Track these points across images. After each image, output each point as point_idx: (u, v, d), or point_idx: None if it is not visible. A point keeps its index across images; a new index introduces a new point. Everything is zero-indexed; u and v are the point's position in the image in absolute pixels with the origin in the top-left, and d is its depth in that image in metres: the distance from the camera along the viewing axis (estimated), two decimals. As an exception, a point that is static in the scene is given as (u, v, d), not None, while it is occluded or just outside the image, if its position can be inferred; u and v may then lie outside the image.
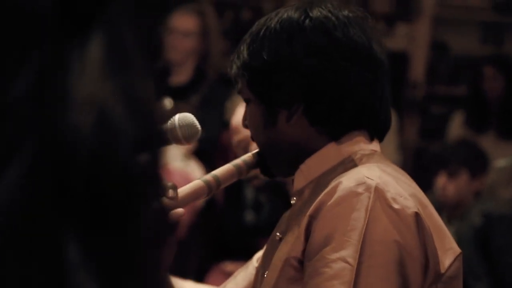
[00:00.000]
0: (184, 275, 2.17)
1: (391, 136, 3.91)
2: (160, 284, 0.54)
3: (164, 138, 0.58)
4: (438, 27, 5.58)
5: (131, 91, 0.51)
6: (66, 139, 0.48)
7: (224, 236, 3.55)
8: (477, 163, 3.79)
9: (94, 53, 0.50)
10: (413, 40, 5.48)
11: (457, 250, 1.42)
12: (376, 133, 1.51)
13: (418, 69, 5.48)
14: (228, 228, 3.53)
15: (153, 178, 0.53)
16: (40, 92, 0.48)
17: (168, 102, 3.57)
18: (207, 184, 1.45)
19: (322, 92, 1.44)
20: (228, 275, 3.26)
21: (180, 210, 1.31)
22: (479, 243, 3.52)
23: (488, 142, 4.44)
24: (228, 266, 3.33)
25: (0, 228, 0.47)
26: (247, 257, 2.69)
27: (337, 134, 1.47)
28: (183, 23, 3.91)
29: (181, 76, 3.96)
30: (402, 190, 1.38)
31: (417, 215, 1.36)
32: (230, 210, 3.50)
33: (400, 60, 5.31)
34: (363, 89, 1.45)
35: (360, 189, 1.35)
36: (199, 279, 3.20)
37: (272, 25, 1.47)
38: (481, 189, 3.80)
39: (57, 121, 0.48)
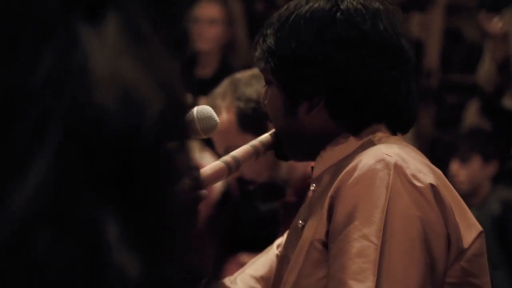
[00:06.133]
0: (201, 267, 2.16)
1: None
2: (194, 261, 0.55)
3: (188, 111, 0.58)
4: (452, 15, 5.55)
5: (151, 66, 0.51)
6: (92, 118, 0.49)
7: (240, 228, 3.56)
8: (488, 147, 3.77)
9: (110, 32, 0.50)
10: (427, 29, 5.45)
11: (479, 227, 1.42)
12: (399, 128, 1.50)
13: (432, 58, 5.46)
14: (244, 220, 3.53)
15: (182, 152, 0.54)
16: (60, 75, 0.49)
17: (188, 97, 3.57)
18: (227, 164, 1.46)
19: (346, 88, 1.44)
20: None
21: (203, 191, 1.32)
22: (498, 231, 3.51)
23: (504, 130, 4.42)
24: (245, 258, 3.33)
25: (36, 211, 0.47)
26: (264, 248, 2.69)
27: (357, 128, 1.47)
28: (208, 11, 3.92)
29: (206, 69, 3.96)
30: (421, 166, 1.38)
31: (434, 187, 1.36)
32: (246, 202, 3.50)
33: (414, 49, 5.28)
34: (388, 87, 1.45)
35: (379, 166, 1.35)
36: (216, 271, 3.21)
37: (302, 14, 1.46)
38: (496, 174, 3.78)
39: (81, 102, 0.48)
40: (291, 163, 2.00)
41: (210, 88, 3.77)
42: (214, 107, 2.08)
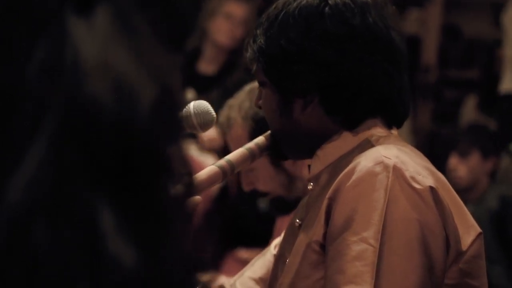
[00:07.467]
0: (199, 263, 2.16)
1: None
2: (190, 251, 0.55)
3: (182, 103, 0.58)
4: (450, 11, 5.56)
5: (143, 57, 0.52)
6: (85, 109, 0.49)
7: (238, 223, 3.56)
8: (488, 143, 3.78)
9: (101, 24, 0.51)
10: (425, 24, 5.46)
11: (478, 229, 1.41)
12: (393, 122, 1.50)
13: (430, 53, 5.46)
14: (243, 215, 3.54)
15: (176, 144, 0.54)
16: (53, 68, 0.49)
17: (190, 94, 3.57)
18: (222, 169, 1.44)
19: (339, 83, 1.43)
20: (242, 262, 3.25)
21: (197, 197, 1.30)
22: (496, 226, 3.52)
23: (501, 126, 4.42)
24: (242, 253, 3.33)
25: (32, 203, 0.48)
26: (262, 244, 2.68)
27: (353, 123, 1.46)
28: (241, 10, 3.92)
29: (213, 65, 3.96)
30: (420, 168, 1.38)
31: (434, 190, 1.34)
32: (244, 197, 3.50)
33: (412, 44, 5.29)
34: (381, 80, 1.44)
35: (378, 169, 1.34)
36: (214, 266, 3.21)
37: (291, 11, 1.45)
38: (495, 171, 3.79)
39: (75, 93, 0.49)
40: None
41: (210, 86, 3.78)
42: (229, 118, 2.08)
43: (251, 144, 1.52)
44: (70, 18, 0.50)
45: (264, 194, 2.12)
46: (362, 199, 1.33)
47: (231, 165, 1.46)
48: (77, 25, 0.50)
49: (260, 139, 1.53)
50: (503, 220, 3.57)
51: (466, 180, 3.69)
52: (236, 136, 2.05)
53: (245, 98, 2.05)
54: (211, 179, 1.43)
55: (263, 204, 3.48)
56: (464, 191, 3.64)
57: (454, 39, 5.64)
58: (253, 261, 1.74)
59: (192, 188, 0.54)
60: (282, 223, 2.16)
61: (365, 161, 1.36)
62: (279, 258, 1.54)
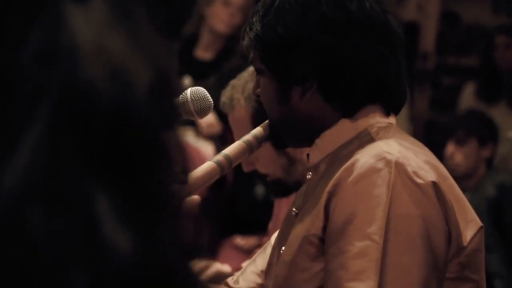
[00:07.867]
0: (195, 250, 2.15)
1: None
2: (187, 238, 0.55)
3: (178, 89, 0.59)
4: (449, -3, 5.54)
5: (139, 42, 0.52)
6: (82, 94, 0.49)
7: (235, 210, 3.55)
8: (485, 131, 3.77)
9: (97, 9, 0.50)
10: (424, 10, 5.44)
11: (479, 222, 1.41)
12: (392, 108, 1.49)
13: (428, 40, 5.45)
14: (239, 202, 3.53)
15: (172, 130, 0.54)
16: (49, 52, 0.49)
17: (187, 80, 3.55)
18: (219, 164, 1.44)
19: (337, 69, 1.42)
20: (239, 249, 3.24)
21: (195, 197, 1.29)
22: (493, 214, 3.51)
23: (500, 113, 4.42)
24: (239, 240, 3.33)
25: (28, 187, 0.47)
26: (258, 231, 2.67)
27: (352, 109, 1.45)
28: None
29: (209, 52, 3.94)
30: (422, 163, 1.37)
31: (436, 184, 1.34)
32: (241, 184, 3.50)
33: (411, 31, 5.28)
34: (379, 65, 1.43)
35: (380, 165, 1.33)
36: (211, 253, 3.20)
37: None
38: (492, 158, 3.78)
39: (71, 78, 0.49)
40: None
41: (209, 71, 3.76)
42: (232, 99, 2.07)
43: (248, 137, 1.51)
44: (66, 2, 0.49)
45: (263, 176, 2.11)
46: (364, 195, 1.32)
47: (229, 159, 1.46)
48: (73, 10, 0.49)
49: (258, 130, 1.53)
50: (501, 208, 3.57)
51: (463, 168, 3.69)
52: (239, 117, 2.05)
53: (248, 79, 2.04)
54: (209, 175, 1.42)
55: (259, 191, 3.47)
56: (461, 179, 3.64)
57: (453, 26, 5.63)
58: (254, 256, 1.74)
59: (188, 175, 0.54)
60: (280, 208, 2.16)
61: (367, 156, 1.35)
62: (276, 247, 1.54)
